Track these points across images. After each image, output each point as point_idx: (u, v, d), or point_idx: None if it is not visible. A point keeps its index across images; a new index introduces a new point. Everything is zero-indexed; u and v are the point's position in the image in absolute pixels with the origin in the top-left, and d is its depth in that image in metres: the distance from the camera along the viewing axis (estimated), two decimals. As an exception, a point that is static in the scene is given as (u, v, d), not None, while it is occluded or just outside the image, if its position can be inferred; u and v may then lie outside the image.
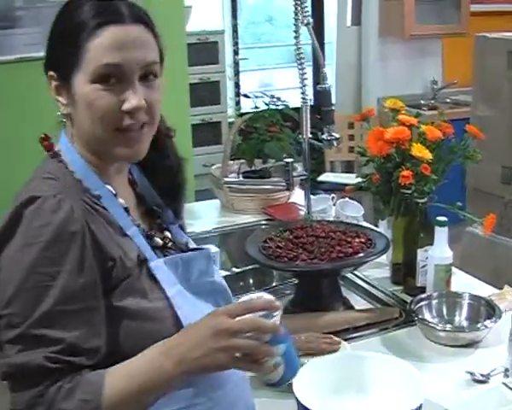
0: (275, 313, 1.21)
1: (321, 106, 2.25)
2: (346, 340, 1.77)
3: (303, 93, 2.35)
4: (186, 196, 1.57)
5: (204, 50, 6.45)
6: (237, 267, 2.51)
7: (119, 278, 1.27)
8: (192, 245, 1.53)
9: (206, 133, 6.52)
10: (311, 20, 2.25)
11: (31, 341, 1.17)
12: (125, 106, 1.29)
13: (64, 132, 1.38)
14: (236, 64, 6.96)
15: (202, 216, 2.95)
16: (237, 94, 7.01)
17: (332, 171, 5.39)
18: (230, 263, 2.62)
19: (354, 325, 1.91)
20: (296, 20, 2.28)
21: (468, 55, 4.21)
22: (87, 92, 1.29)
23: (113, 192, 1.37)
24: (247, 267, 2.39)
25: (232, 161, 2.97)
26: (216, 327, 1.18)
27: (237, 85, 7.02)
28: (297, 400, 1.36)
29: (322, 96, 2.25)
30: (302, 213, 2.63)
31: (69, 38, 1.30)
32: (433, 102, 5.65)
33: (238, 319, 1.18)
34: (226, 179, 2.62)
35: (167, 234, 1.48)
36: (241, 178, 2.93)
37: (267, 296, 1.25)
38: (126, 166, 1.45)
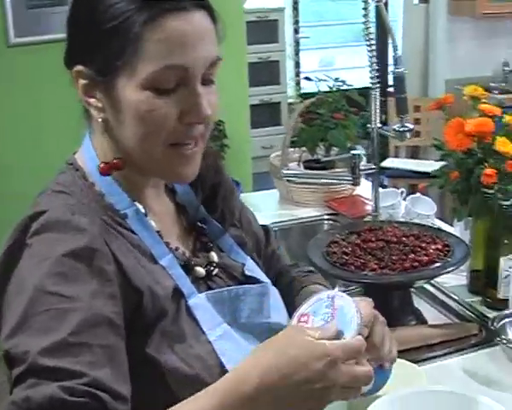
0: None
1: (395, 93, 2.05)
2: (419, 361, 1.56)
3: (372, 77, 2.14)
4: (233, 195, 1.33)
5: (263, 28, 6.26)
6: (297, 266, 2.30)
7: (150, 316, 1.04)
8: (250, 270, 1.26)
9: (265, 114, 6.35)
10: (383, -2, 2.04)
11: (41, 374, 0.88)
12: (192, 118, 1.05)
13: (89, 135, 1.15)
14: (297, 43, 6.76)
15: (260, 208, 2.73)
16: (297, 74, 6.81)
17: (396, 156, 5.14)
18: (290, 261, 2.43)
19: (427, 343, 1.70)
20: (366, -3, 2.07)
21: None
22: (139, 101, 1.03)
23: (143, 211, 1.14)
24: (309, 268, 2.19)
25: (293, 149, 2.77)
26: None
27: (297, 65, 6.82)
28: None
29: (396, 81, 2.04)
30: (368, 207, 2.43)
31: (112, 29, 1.02)
32: (504, 84, 5.38)
33: None
34: (285, 172, 2.41)
35: (213, 256, 1.23)
36: (301, 169, 2.73)
37: (346, 299, 1.04)
38: None
